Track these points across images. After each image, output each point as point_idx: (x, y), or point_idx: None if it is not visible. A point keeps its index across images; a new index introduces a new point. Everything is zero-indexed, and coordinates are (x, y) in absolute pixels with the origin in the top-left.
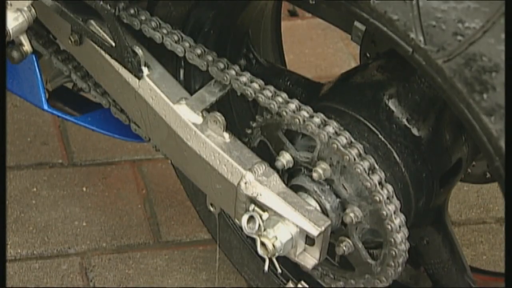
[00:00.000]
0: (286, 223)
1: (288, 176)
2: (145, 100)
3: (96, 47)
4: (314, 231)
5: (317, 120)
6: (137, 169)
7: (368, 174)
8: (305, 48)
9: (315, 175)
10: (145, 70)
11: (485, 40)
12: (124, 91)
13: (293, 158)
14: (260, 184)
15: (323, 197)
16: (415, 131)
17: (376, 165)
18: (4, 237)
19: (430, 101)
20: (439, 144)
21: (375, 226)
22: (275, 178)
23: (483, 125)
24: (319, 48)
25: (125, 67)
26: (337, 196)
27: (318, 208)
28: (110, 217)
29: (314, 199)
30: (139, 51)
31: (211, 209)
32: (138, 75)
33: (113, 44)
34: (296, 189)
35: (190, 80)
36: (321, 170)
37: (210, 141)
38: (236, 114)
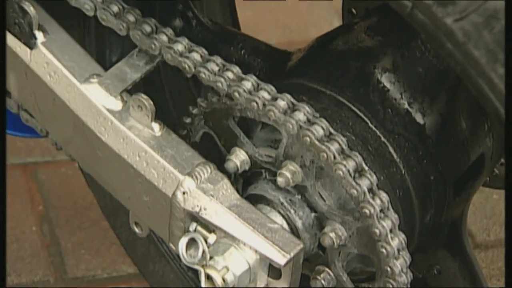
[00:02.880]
0: (241, 248)
1: (244, 182)
2: (40, 78)
3: None
4: (280, 258)
5: (282, 103)
6: (31, 176)
7: (354, 178)
8: (269, 1)
9: (280, 180)
10: (40, 36)
11: None
12: (10, 65)
13: (250, 157)
14: (204, 194)
15: (292, 211)
16: (418, 118)
17: (364, 165)
18: (4, 238)
19: (438, 76)
20: (452, 135)
21: (364, 251)
22: (225, 185)
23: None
24: (288, 1)
25: (10, 31)
26: (312, 209)
27: (286, 226)
28: None
29: (280, 214)
30: (30, 9)
31: (136, 230)
32: (30, 43)
33: None
34: (255, 200)
35: (104, 49)
36: (289, 173)
37: (133, 135)
38: (170, 96)
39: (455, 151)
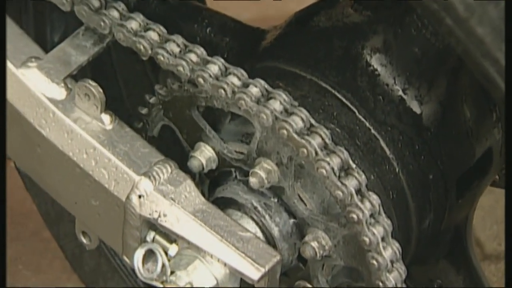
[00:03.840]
0: (207, 261)
1: (211, 183)
2: None
3: None
4: (253, 273)
5: (255, 90)
6: None
7: (340, 178)
8: None
9: (253, 181)
10: None
11: None
12: None
13: (218, 154)
14: (163, 198)
15: (267, 216)
16: (415, 107)
17: (351, 163)
18: (4, 237)
19: (437, 57)
20: (454, 126)
21: (352, 263)
22: (189, 187)
23: None
24: None
25: None
26: (291, 214)
27: (260, 235)
28: None
29: (253, 220)
30: None
31: (84, 241)
32: None
33: None
34: (224, 204)
35: (45, 28)
36: (263, 172)
37: (79, 129)
38: (122, 83)
39: (457, 145)
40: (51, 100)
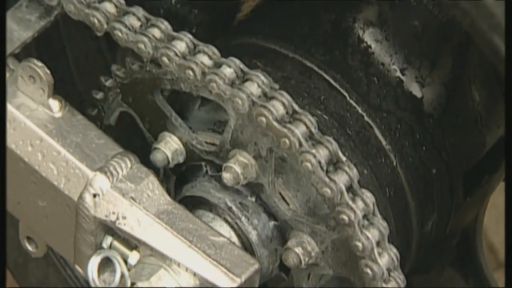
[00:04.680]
0: (173, 270)
1: (178, 180)
2: None
3: None
4: (227, 283)
5: (228, 71)
6: None
7: (328, 173)
8: None
9: (227, 176)
10: None
11: None
12: None
13: (185, 145)
14: (122, 197)
15: (243, 218)
16: (415, 89)
17: (341, 155)
18: (4, 237)
19: (441, 32)
20: (460, 112)
21: (343, 272)
22: (152, 184)
23: None
24: None
25: None
26: (271, 216)
27: (235, 239)
28: None
29: (228, 222)
30: None
31: (29, 248)
32: None
33: None
34: (193, 204)
35: None
36: (238, 167)
37: (23, 117)
38: (74, 63)
39: (465, 134)
40: None
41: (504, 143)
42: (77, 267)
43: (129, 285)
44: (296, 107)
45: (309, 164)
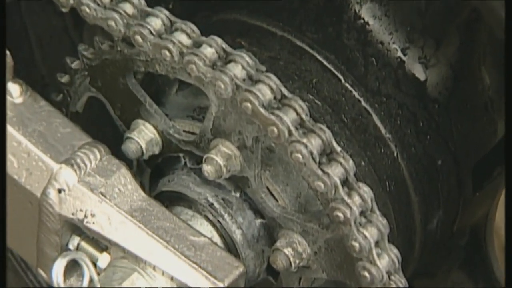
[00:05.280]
0: (148, 274)
1: (153, 173)
2: None
3: None
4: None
5: (209, 51)
6: None
7: (321, 165)
8: None
9: (208, 169)
10: None
11: None
12: None
13: (161, 134)
14: (90, 193)
15: (227, 216)
16: (417, 71)
17: (336, 145)
18: (4, 238)
19: (447, 8)
20: (469, 96)
21: (337, 275)
22: (124, 178)
23: None
24: None
25: None
26: (257, 213)
27: (218, 240)
28: None
29: (209, 220)
30: None
31: None
32: None
33: None
34: (171, 200)
35: None
36: (220, 158)
37: None
38: (36, 43)
39: (474, 121)
40: None
41: (504, 142)
42: (40, 271)
43: None
44: (285, 91)
45: (299, 155)
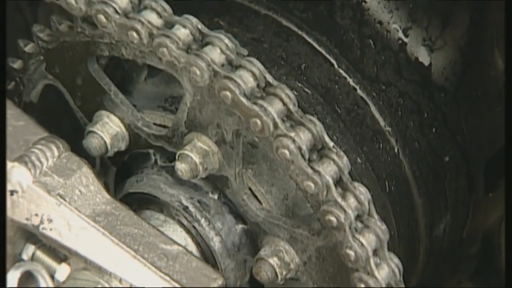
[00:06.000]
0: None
1: (119, 172)
2: None
3: None
4: None
5: (183, 33)
6: None
7: (310, 162)
8: None
9: (182, 168)
10: None
11: None
12: None
13: (128, 128)
14: (47, 195)
15: (203, 221)
16: (421, 55)
17: (328, 139)
18: (4, 238)
19: None
20: (481, 83)
21: (330, 286)
22: (86, 178)
23: None
24: None
25: None
26: (238, 218)
27: (193, 248)
28: None
29: (183, 226)
30: None
31: None
32: None
33: None
34: (139, 203)
35: None
36: (196, 155)
37: None
38: None
39: (485, 112)
40: None
41: (505, 141)
42: None
43: None
44: (270, 78)
45: (286, 151)
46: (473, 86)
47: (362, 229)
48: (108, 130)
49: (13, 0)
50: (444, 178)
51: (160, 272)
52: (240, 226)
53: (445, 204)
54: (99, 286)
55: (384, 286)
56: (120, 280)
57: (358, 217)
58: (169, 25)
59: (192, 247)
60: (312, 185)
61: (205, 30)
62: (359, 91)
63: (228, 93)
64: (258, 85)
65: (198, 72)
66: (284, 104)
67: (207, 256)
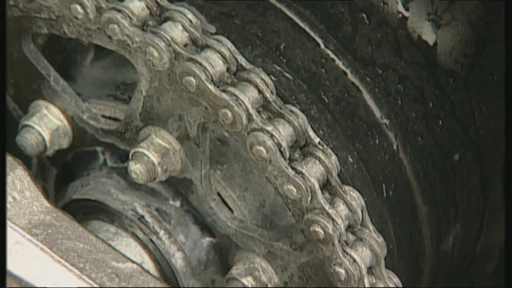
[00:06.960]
0: None
1: (60, 174)
2: None
3: None
4: None
5: (137, 6)
6: None
7: (291, 162)
8: None
9: (137, 169)
10: None
11: None
12: None
13: (71, 121)
14: None
15: (162, 233)
16: (425, 33)
17: (313, 134)
18: (4, 238)
19: None
20: (496, 66)
21: None
22: (20, 181)
23: None
24: None
25: None
26: (205, 229)
27: (150, 265)
28: None
29: (138, 240)
30: None
31: None
32: None
33: None
34: (86, 212)
35: None
36: (153, 155)
37: None
38: None
39: (502, 100)
40: None
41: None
42: None
43: None
44: (242, 60)
45: (262, 149)
46: (487, 70)
47: (355, 242)
48: (47, 124)
49: None
50: (453, 181)
51: None
52: (207, 240)
53: (455, 212)
54: None
55: None
56: None
57: (350, 228)
58: None
59: (149, 265)
60: (294, 189)
61: (164, 2)
62: (350, 76)
63: (192, 78)
64: (228, 69)
65: (155, 54)
66: (260, 91)
67: (168, 275)
